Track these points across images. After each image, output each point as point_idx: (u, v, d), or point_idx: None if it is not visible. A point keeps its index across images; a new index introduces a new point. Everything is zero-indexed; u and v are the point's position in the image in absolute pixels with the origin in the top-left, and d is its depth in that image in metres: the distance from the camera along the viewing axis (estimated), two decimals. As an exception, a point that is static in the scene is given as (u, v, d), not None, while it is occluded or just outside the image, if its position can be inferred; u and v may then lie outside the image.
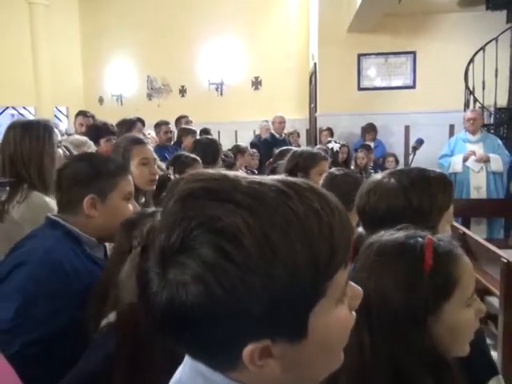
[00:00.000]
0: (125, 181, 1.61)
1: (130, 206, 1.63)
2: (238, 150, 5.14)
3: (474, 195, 5.48)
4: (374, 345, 0.88)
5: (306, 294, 0.51)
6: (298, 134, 7.84)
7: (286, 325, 0.52)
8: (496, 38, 6.13)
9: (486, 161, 5.39)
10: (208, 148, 3.26)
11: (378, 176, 1.31)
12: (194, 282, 0.49)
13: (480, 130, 5.59)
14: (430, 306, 0.87)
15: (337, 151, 5.13)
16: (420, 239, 0.92)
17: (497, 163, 5.40)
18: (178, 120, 6.13)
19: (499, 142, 5.66)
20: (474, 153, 5.42)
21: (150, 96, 9.76)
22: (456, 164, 5.52)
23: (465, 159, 5.46)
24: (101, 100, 10.21)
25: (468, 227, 5.06)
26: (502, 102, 6.28)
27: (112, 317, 1.15)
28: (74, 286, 1.40)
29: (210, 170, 0.55)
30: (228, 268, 0.48)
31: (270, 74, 8.97)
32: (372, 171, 5.83)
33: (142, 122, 4.70)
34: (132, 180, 1.68)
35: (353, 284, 0.60)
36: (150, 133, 5.30)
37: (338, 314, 0.56)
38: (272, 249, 0.48)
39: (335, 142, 5.46)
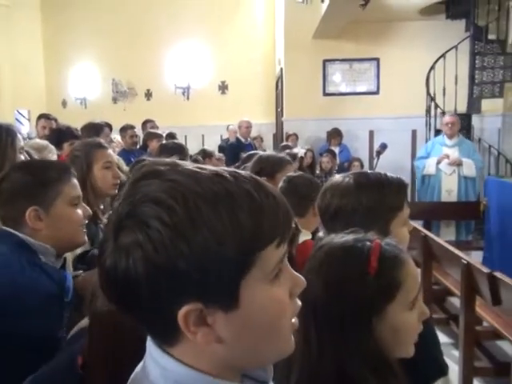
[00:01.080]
0: (68, 186, 1.49)
1: (79, 211, 1.52)
2: (205, 154, 5.11)
3: (445, 198, 5.60)
4: (321, 345, 0.91)
5: (232, 261, 0.56)
6: (262, 138, 7.89)
7: (216, 289, 0.56)
8: (456, 46, 6.34)
9: (459, 164, 5.52)
10: (174, 152, 3.22)
11: (339, 177, 1.36)
12: (133, 245, 0.56)
13: (457, 135, 5.71)
14: (375, 307, 0.90)
15: (301, 157, 5.17)
16: (368, 243, 0.95)
17: (469, 168, 5.52)
18: (144, 124, 6.06)
19: (475, 147, 5.81)
20: (447, 156, 5.55)
21: (115, 99, 9.62)
22: (430, 166, 5.63)
23: (438, 162, 5.57)
24: (64, 103, 10.00)
25: (430, 229, 5.19)
26: (462, 108, 6.47)
27: (84, 322, 1.12)
28: (30, 302, 1.31)
29: (166, 159, 0.63)
30: (161, 230, 0.55)
31: (237, 78, 8.99)
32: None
33: (110, 126, 4.63)
34: (77, 183, 1.56)
35: (295, 272, 0.65)
36: (115, 137, 5.22)
37: (272, 292, 0.60)
38: (201, 217, 0.55)
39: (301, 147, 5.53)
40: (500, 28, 6.48)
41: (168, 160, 0.62)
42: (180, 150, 3.25)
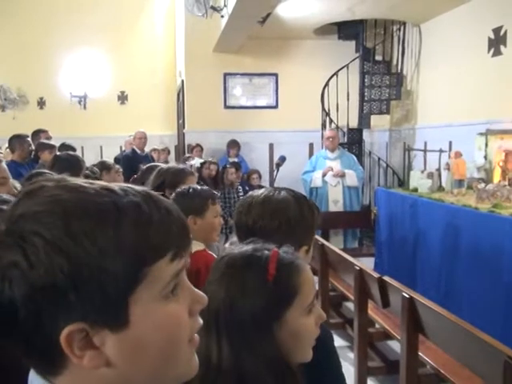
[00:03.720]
0: None
1: None
2: (103, 166, 4.93)
3: (332, 208, 5.92)
4: (221, 354, 0.93)
5: (118, 276, 0.53)
6: (169, 150, 7.78)
7: (101, 307, 0.53)
8: (347, 65, 6.75)
9: (342, 176, 5.86)
10: (68, 164, 3.07)
11: (257, 193, 1.37)
12: (9, 263, 0.52)
13: (338, 148, 6.08)
14: (274, 313, 0.93)
15: (198, 167, 5.20)
16: (266, 251, 0.99)
17: (352, 178, 5.89)
18: (36, 134, 5.66)
19: (355, 158, 6.20)
20: (331, 168, 5.86)
21: (3, 107, 8.95)
22: (316, 179, 5.93)
23: (323, 174, 5.89)
24: None
25: (327, 239, 5.44)
26: (354, 123, 6.90)
27: None
28: None
29: (55, 176, 0.60)
30: (38, 245, 0.52)
31: (137, 88, 8.82)
32: (240, 188, 5.99)
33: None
34: None
35: (195, 289, 0.62)
36: (6, 147, 4.84)
37: (168, 309, 0.57)
38: (83, 230, 0.53)
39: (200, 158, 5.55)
40: (386, 50, 7.04)
41: (57, 176, 0.60)
42: (75, 162, 3.11)
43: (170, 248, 0.57)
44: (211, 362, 0.92)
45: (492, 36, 5.24)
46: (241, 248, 1.02)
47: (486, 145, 4.74)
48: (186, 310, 0.59)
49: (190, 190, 2.20)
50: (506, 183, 4.15)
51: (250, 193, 1.41)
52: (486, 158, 4.73)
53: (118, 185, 0.59)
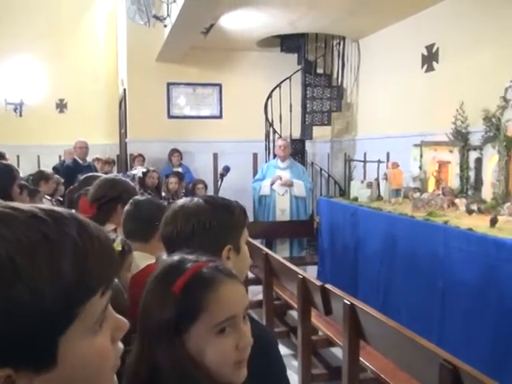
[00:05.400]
0: None
1: None
2: (41, 176, 4.75)
3: (279, 217, 5.98)
4: (139, 361, 0.94)
5: (52, 317, 0.50)
6: (114, 161, 7.60)
7: (30, 351, 0.50)
8: (290, 77, 6.88)
9: (290, 185, 5.93)
10: (1, 173, 2.93)
11: (184, 201, 1.39)
12: None
13: (289, 158, 6.15)
14: (178, 326, 0.93)
15: (140, 177, 5.11)
16: (189, 264, 0.98)
17: (299, 188, 5.97)
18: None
19: (304, 169, 6.31)
20: (280, 177, 5.93)
21: None
22: (265, 187, 5.98)
23: (272, 183, 5.94)
24: None
25: (272, 248, 5.48)
26: (297, 133, 7.03)
27: None
28: None
29: None
30: None
31: (77, 96, 8.58)
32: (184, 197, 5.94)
33: None
34: None
35: (117, 315, 0.60)
36: None
37: (95, 344, 0.55)
38: (16, 271, 0.48)
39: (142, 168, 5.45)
40: (326, 63, 7.24)
41: None
42: (7, 171, 2.97)
43: (102, 282, 0.55)
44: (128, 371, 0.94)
45: (425, 52, 5.52)
46: (172, 258, 1.03)
47: (421, 156, 4.96)
48: (110, 338, 0.58)
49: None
50: (440, 192, 4.36)
51: (173, 204, 1.43)
52: (421, 168, 4.95)
53: (43, 209, 0.55)
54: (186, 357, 0.92)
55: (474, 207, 3.81)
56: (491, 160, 4.08)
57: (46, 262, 0.50)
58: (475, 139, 4.36)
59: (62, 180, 5.49)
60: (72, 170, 5.92)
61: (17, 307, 0.48)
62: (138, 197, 2.29)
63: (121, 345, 0.61)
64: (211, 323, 0.94)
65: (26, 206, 0.55)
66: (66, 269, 0.51)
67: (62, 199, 4.97)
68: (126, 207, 2.16)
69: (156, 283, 0.99)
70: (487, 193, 4.09)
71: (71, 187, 3.68)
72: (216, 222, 1.30)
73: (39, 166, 7.58)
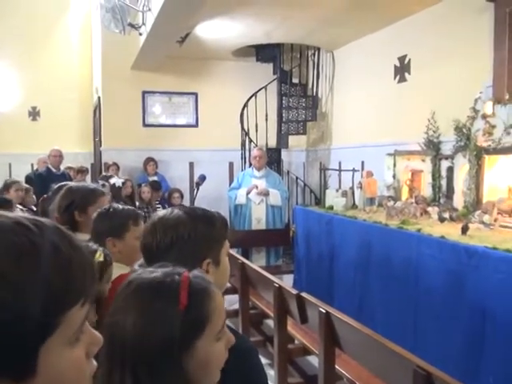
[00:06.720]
0: None
1: None
2: (4, 186, 4.69)
3: (255, 226, 5.97)
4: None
5: (34, 324, 0.50)
6: (87, 169, 7.48)
7: (9, 359, 0.49)
8: (265, 87, 6.93)
9: (266, 194, 5.94)
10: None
11: (165, 212, 1.37)
12: None
13: (264, 167, 6.16)
14: (185, 343, 0.89)
15: (119, 187, 5.04)
16: (177, 277, 0.94)
17: (275, 198, 5.97)
18: None
19: (280, 178, 6.33)
20: (256, 186, 5.93)
21: None
22: (241, 196, 5.96)
23: (248, 192, 5.94)
24: None
25: (248, 257, 5.48)
26: (272, 142, 7.07)
27: None
28: None
29: None
30: None
31: (50, 104, 8.45)
32: (159, 206, 5.90)
33: None
34: None
35: (92, 330, 0.60)
36: None
37: (72, 356, 0.55)
38: (2, 275, 0.48)
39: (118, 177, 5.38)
40: (302, 73, 7.32)
41: None
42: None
43: (83, 292, 0.55)
44: None
45: (398, 64, 5.63)
46: (150, 273, 0.97)
47: (395, 165, 5.04)
48: (84, 353, 0.58)
49: (110, 210, 2.10)
50: (413, 201, 4.44)
51: (153, 215, 1.42)
52: (394, 177, 5.03)
53: (26, 217, 0.55)
54: (185, 378, 0.90)
55: (446, 215, 3.89)
56: (462, 169, 4.18)
57: (32, 268, 0.50)
58: (447, 148, 4.46)
59: (31, 188, 5.37)
60: (45, 179, 5.80)
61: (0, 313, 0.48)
62: (107, 205, 2.24)
63: (94, 362, 0.60)
64: (214, 332, 0.94)
65: (10, 213, 0.55)
66: (51, 275, 0.51)
67: (35, 208, 4.88)
68: (94, 215, 2.12)
69: (151, 302, 0.91)
70: (459, 201, 4.18)
71: (44, 196, 3.61)
72: (195, 234, 1.29)
73: (10, 175, 7.43)
